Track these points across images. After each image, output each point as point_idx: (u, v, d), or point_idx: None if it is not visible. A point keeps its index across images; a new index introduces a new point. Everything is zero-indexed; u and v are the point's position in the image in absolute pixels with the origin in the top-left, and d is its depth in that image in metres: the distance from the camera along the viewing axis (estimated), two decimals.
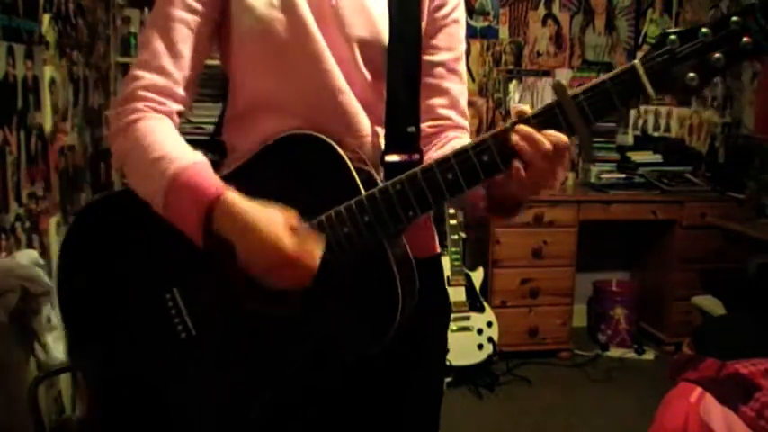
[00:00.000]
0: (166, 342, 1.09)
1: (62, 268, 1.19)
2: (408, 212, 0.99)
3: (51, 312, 2.06)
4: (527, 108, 0.97)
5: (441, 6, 1.14)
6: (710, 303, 3.24)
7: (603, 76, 0.92)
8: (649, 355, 3.81)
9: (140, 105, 1.05)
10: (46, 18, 2.25)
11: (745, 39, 0.88)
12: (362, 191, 1.00)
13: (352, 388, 1.17)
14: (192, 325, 1.08)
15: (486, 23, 4.02)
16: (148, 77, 1.06)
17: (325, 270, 0.98)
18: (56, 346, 2.02)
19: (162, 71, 1.06)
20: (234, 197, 0.97)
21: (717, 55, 0.89)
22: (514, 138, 0.94)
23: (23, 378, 1.85)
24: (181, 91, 1.08)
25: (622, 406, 3.18)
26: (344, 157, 1.01)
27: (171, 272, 1.09)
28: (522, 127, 0.94)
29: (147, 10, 3.41)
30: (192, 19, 1.07)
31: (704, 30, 0.90)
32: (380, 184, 1.01)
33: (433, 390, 1.28)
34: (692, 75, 0.90)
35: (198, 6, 1.07)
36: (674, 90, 0.92)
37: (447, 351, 1.33)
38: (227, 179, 1.01)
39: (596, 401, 3.27)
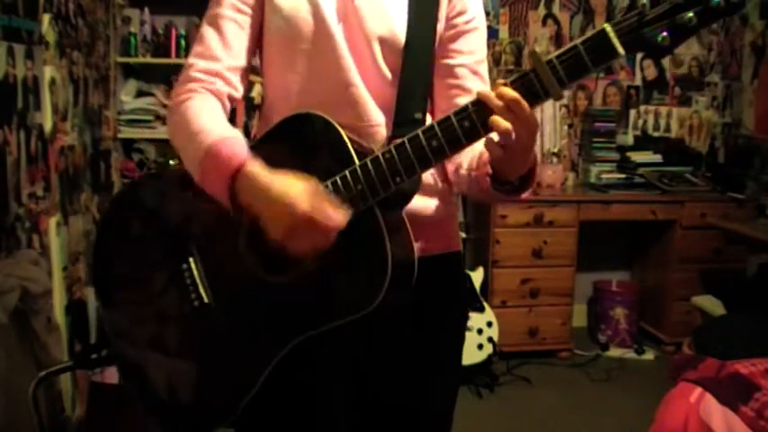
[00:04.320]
0: (181, 309, 1.18)
1: (98, 247, 1.31)
2: (396, 178, 1.04)
3: (51, 312, 2.06)
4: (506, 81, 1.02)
5: (461, 13, 1.22)
6: (710, 303, 3.24)
7: (575, 40, 0.96)
8: (649, 355, 3.81)
9: (193, 86, 1.16)
10: (46, 18, 2.25)
11: None
12: (356, 161, 1.06)
13: (365, 374, 1.23)
14: (203, 293, 1.17)
15: (486, 23, 4.02)
16: (201, 63, 1.17)
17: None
18: (56, 346, 2.02)
19: (213, 58, 1.17)
20: (255, 168, 1.04)
21: (688, 15, 0.92)
22: (489, 95, 0.99)
23: (23, 378, 1.85)
24: (230, 75, 1.18)
25: (622, 406, 3.18)
26: (341, 131, 1.07)
27: (186, 245, 1.19)
28: (499, 89, 0.99)
29: (147, 10, 3.41)
30: (242, 18, 1.18)
31: None
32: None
33: (447, 383, 1.32)
34: (663, 35, 0.93)
35: (245, 8, 1.18)
36: (646, 50, 0.96)
37: (462, 346, 1.35)
38: None
39: (596, 401, 3.27)
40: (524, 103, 0.97)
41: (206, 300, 1.17)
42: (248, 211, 1.05)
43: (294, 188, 1.00)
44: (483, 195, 1.17)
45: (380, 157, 1.04)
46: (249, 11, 1.18)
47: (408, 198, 1.12)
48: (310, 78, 1.17)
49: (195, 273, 1.17)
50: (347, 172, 1.05)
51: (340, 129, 1.08)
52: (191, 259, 1.18)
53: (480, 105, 1.00)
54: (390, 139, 1.15)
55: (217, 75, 1.16)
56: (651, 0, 0.94)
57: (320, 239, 1.01)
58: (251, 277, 1.12)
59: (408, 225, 1.11)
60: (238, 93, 1.20)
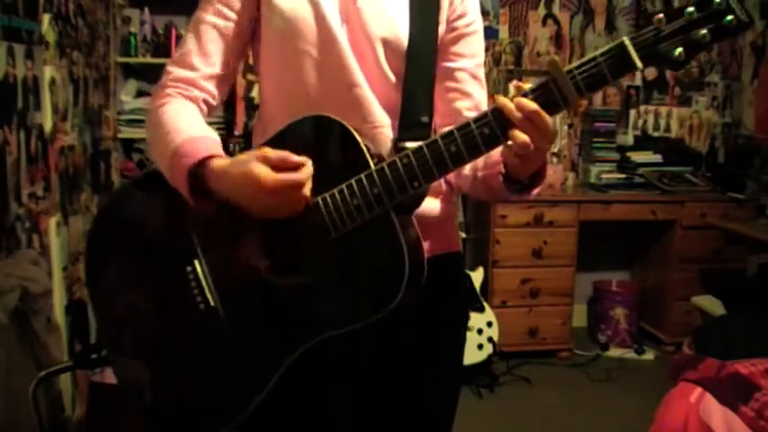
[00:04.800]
0: (185, 312, 1.17)
1: (91, 244, 1.28)
2: (414, 183, 1.04)
3: (51, 312, 2.06)
4: (525, 85, 1.03)
5: (461, 16, 1.22)
6: (710, 303, 3.24)
7: (594, 52, 0.97)
8: (649, 355, 3.82)
9: (169, 91, 1.18)
10: (46, 18, 2.25)
11: (728, 17, 0.93)
12: (372, 165, 1.06)
13: (366, 375, 1.23)
14: (209, 296, 1.16)
15: (486, 23, 4.02)
16: (177, 71, 1.18)
17: (335, 242, 1.07)
18: (56, 346, 2.03)
19: (190, 66, 1.18)
20: (222, 159, 1.06)
21: (702, 32, 0.95)
22: (509, 106, 1.00)
23: (23, 378, 1.85)
24: (206, 83, 1.19)
25: (622, 406, 3.19)
26: (355, 134, 1.07)
27: (191, 247, 1.17)
28: (519, 99, 1.01)
29: (147, 10, 3.41)
30: (224, 24, 1.18)
31: (690, 9, 0.95)
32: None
33: (448, 383, 1.32)
34: (679, 50, 0.96)
35: (230, 14, 1.18)
36: (662, 63, 0.98)
37: (463, 346, 1.35)
38: None
39: (596, 401, 3.27)
40: (544, 114, 0.98)
41: (212, 303, 1.15)
42: (227, 200, 1.07)
43: (250, 160, 1.01)
44: (488, 195, 1.18)
45: (398, 161, 1.04)
46: (234, 16, 1.18)
47: (420, 201, 1.13)
48: (313, 79, 1.16)
49: (201, 275, 1.16)
50: (363, 176, 1.05)
51: (354, 132, 1.07)
52: (195, 261, 1.16)
53: (498, 113, 1.00)
54: (396, 141, 1.15)
55: (192, 84, 1.18)
56: (666, 15, 0.95)
57: (297, 197, 1.02)
58: (260, 280, 1.11)
59: (416, 225, 1.11)
60: (215, 100, 1.21)
